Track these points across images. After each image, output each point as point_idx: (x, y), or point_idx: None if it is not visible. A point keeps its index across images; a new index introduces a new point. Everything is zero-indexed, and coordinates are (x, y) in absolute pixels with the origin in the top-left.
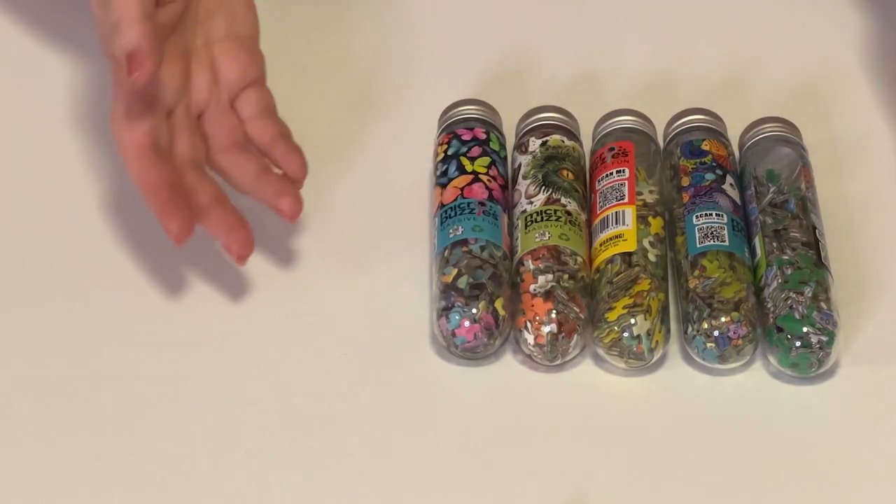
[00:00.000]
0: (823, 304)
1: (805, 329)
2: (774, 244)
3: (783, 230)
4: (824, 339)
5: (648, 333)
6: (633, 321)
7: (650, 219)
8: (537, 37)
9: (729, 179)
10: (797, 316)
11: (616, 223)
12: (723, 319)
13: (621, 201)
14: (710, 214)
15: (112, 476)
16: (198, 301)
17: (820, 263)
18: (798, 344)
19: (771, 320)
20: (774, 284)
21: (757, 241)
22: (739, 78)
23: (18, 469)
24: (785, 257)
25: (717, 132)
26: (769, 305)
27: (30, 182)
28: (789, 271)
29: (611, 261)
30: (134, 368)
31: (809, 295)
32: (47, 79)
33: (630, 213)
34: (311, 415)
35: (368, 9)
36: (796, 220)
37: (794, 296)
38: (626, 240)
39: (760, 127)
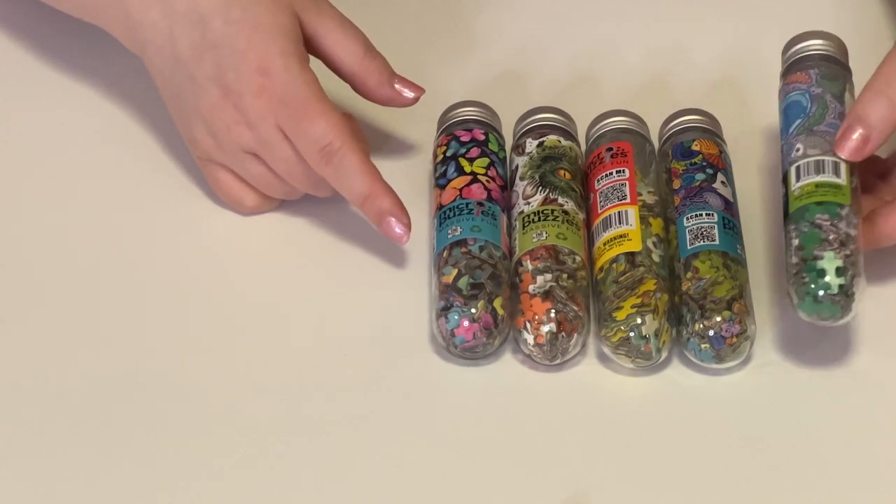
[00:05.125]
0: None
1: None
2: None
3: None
4: (854, 288)
5: (656, 333)
6: (641, 321)
7: (651, 219)
8: (536, 38)
9: (720, 177)
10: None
11: (619, 223)
12: (716, 319)
13: (623, 201)
14: (700, 215)
15: (111, 477)
16: (198, 301)
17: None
18: (831, 276)
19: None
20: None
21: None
22: (736, 77)
23: (17, 469)
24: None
25: (709, 131)
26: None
27: (30, 183)
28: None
29: (615, 260)
30: (134, 369)
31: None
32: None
33: (633, 213)
34: (311, 414)
35: (366, 10)
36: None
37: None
38: (630, 239)
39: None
